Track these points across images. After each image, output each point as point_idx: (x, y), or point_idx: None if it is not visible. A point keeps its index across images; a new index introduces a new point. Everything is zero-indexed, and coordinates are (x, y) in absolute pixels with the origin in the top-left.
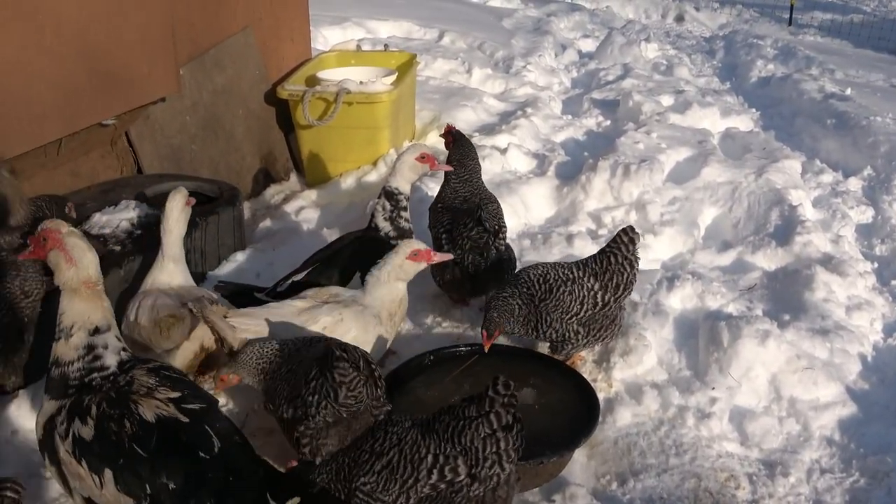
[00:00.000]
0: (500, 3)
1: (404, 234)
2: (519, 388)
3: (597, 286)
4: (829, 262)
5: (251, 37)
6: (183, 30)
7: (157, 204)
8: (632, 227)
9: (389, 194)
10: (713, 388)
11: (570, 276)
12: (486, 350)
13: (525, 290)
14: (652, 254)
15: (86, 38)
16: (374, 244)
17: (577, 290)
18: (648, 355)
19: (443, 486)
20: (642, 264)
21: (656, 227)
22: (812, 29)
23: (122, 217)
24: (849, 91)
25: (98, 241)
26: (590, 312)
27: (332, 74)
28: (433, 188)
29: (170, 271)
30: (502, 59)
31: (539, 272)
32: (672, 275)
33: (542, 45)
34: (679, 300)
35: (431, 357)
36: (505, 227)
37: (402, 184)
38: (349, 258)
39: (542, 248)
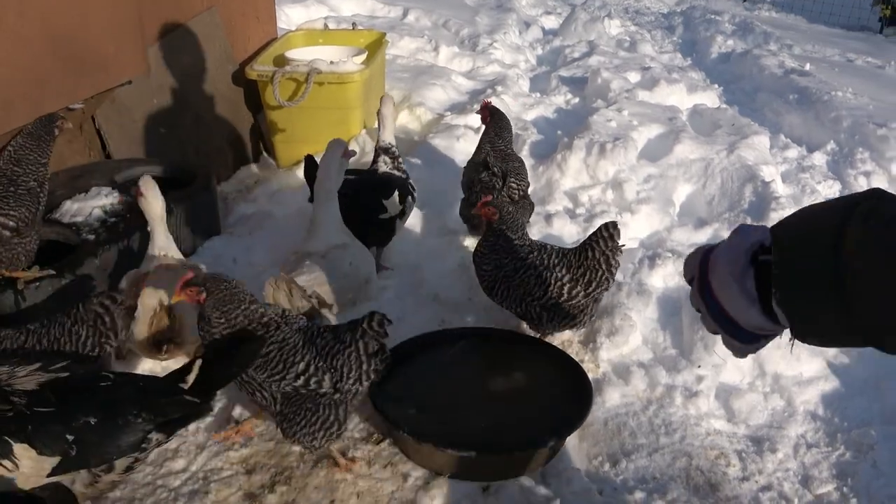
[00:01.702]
0: None
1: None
2: (511, 372)
3: (566, 278)
4: None
5: (216, 16)
6: (149, 9)
7: (128, 189)
8: (614, 223)
9: (386, 150)
10: (699, 367)
11: (545, 262)
12: (485, 208)
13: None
14: (631, 232)
15: (51, 19)
16: (399, 180)
17: (545, 276)
18: (634, 335)
19: (304, 391)
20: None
21: (633, 205)
22: (766, 4)
23: (94, 204)
24: (808, 66)
25: (71, 230)
26: (553, 301)
27: (300, 54)
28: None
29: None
30: (468, 37)
31: (527, 244)
32: (653, 253)
33: (507, 22)
34: (661, 278)
35: (420, 342)
36: (523, 180)
37: (391, 136)
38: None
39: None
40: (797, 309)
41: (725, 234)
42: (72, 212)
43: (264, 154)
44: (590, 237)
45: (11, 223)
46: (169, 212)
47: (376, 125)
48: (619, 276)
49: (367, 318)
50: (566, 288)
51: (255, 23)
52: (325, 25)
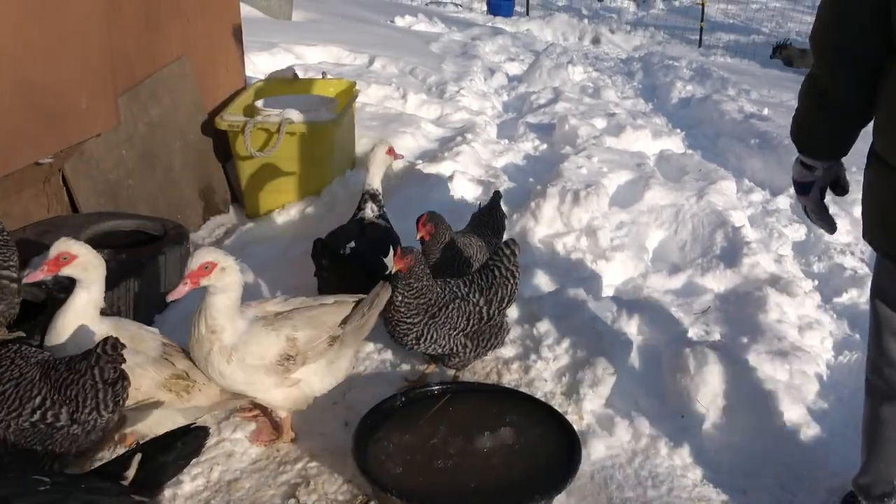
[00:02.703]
0: (424, 27)
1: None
2: (497, 427)
3: (482, 301)
4: (777, 283)
5: (187, 66)
6: (118, 60)
7: (97, 245)
8: (513, 240)
9: (373, 196)
10: (682, 416)
11: (459, 293)
12: (400, 267)
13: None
14: (607, 279)
15: (22, 72)
16: (384, 230)
17: (464, 307)
18: (616, 385)
19: (42, 426)
20: (600, 291)
21: (608, 252)
22: (720, 50)
23: None
24: (766, 111)
25: (39, 288)
26: (476, 327)
27: (271, 104)
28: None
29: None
30: (435, 84)
31: (437, 284)
32: (631, 301)
33: (472, 69)
34: (640, 327)
35: (402, 398)
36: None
37: (378, 183)
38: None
39: None
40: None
41: (699, 281)
42: None
43: (234, 204)
44: (492, 257)
45: (15, 274)
46: (140, 267)
47: (367, 169)
48: (598, 326)
49: (100, 344)
50: (484, 310)
51: (225, 72)
52: (295, 74)
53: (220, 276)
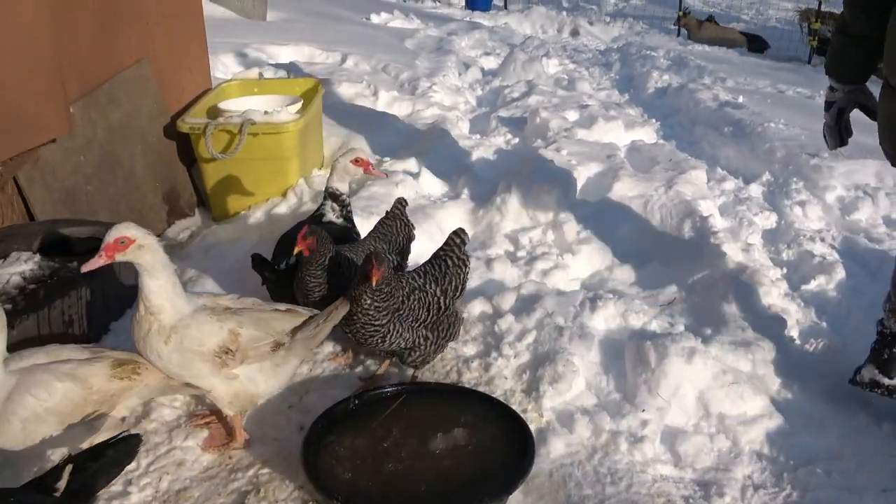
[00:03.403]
0: (400, 23)
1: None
2: (450, 428)
3: (438, 290)
4: (743, 272)
5: (147, 69)
6: (73, 65)
7: (51, 253)
8: (462, 230)
9: (333, 195)
10: (643, 410)
11: (416, 284)
12: (375, 281)
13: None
14: (571, 273)
15: None
16: (340, 231)
17: (423, 298)
18: (577, 381)
19: None
20: (564, 285)
21: (573, 245)
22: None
23: (12, 271)
24: (741, 98)
25: None
26: (435, 317)
27: (234, 104)
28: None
29: None
30: (407, 81)
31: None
32: (594, 295)
33: (446, 64)
34: (603, 320)
35: (356, 401)
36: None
37: (340, 185)
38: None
39: None
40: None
41: (666, 272)
42: None
43: (199, 207)
44: (442, 247)
45: None
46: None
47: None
48: (559, 320)
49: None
50: (441, 300)
51: (189, 74)
52: (260, 74)
53: (137, 254)
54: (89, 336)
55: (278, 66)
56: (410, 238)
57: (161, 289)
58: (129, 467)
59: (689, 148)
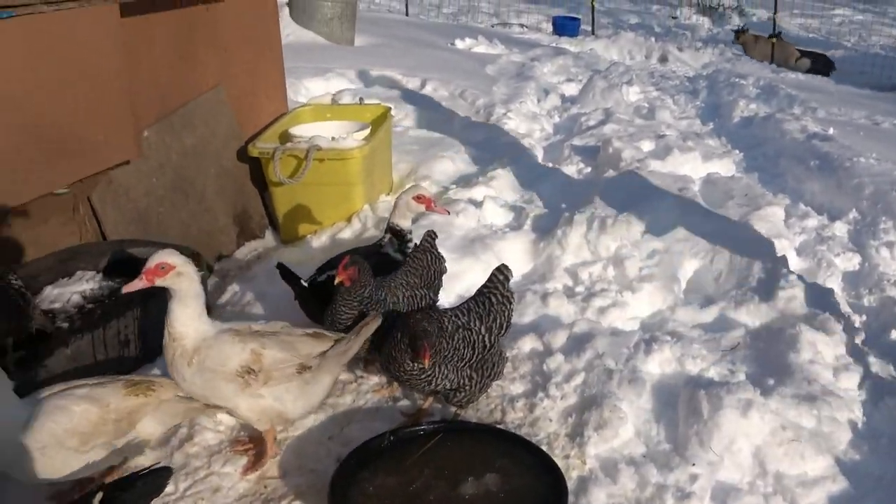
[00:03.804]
0: (484, 49)
1: None
2: (483, 472)
3: (483, 329)
4: (814, 319)
5: (223, 94)
6: (149, 91)
7: (113, 274)
8: (505, 266)
9: (393, 231)
10: (693, 464)
11: (460, 322)
12: (427, 363)
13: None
14: (630, 311)
15: (31, 107)
16: (393, 264)
17: (468, 336)
18: (624, 428)
19: None
20: (621, 324)
21: (634, 283)
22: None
23: (74, 290)
24: (831, 130)
25: (47, 318)
26: (480, 356)
27: (304, 130)
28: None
29: None
30: (483, 107)
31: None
32: (650, 336)
33: (525, 90)
34: (657, 364)
35: (391, 437)
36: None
37: (402, 221)
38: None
39: (517, 308)
40: None
41: (732, 315)
42: (51, 298)
43: (270, 229)
44: (486, 284)
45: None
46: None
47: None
48: (610, 363)
49: None
50: (486, 338)
51: (265, 99)
52: (333, 100)
53: (175, 280)
54: (143, 356)
55: (358, 91)
56: (441, 271)
57: (187, 316)
58: (167, 490)
59: (772, 181)
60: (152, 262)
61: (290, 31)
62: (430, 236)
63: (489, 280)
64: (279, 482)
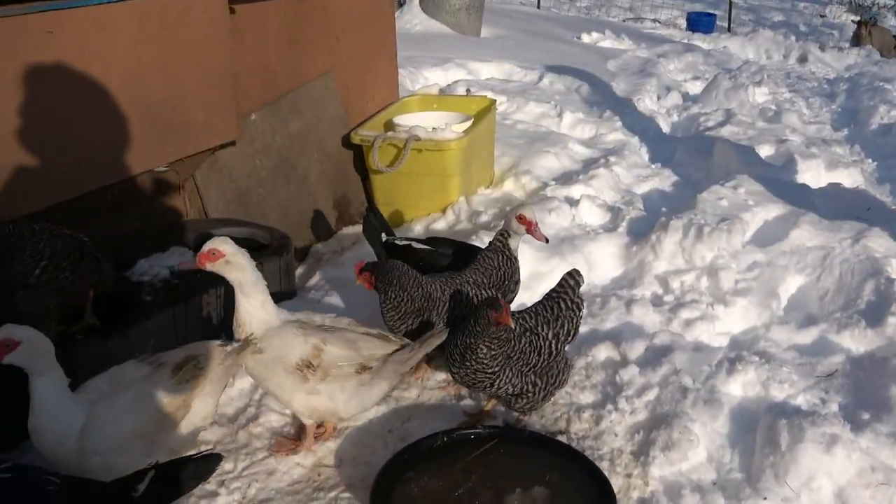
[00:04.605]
0: (610, 43)
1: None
2: (532, 485)
3: (550, 334)
4: None
5: (332, 81)
6: (259, 76)
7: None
8: (577, 271)
9: (505, 243)
10: (765, 498)
11: (527, 325)
12: (509, 321)
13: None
14: (720, 326)
15: (138, 87)
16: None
17: (535, 341)
18: (694, 451)
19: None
20: (708, 338)
21: (728, 296)
22: None
23: (164, 264)
24: None
25: (134, 290)
26: (544, 363)
27: (407, 119)
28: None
29: None
30: (597, 103)
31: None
32: (736, 355)
33: (644, 87)
34: (740, 386)
35: (444, 438)
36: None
37: (511, 242)
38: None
39: (599, 314)
40: None
41: (834, 338)
42: (142, 271)
43: None
44: (555, 289)
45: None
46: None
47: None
48: (687, 381)
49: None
50: (552, 344)
51: (374, 88)
52: (441, 91)
53: (225, 268)
54: (223, 332)
55: (474, 82)
56: (513, 275)
57: (249, 304)
58: (224, 468)
59: None
60: (206, 247)
61: (419, 20)
62: (503, 234)
63: (559, 284)
64: (333, 471)
